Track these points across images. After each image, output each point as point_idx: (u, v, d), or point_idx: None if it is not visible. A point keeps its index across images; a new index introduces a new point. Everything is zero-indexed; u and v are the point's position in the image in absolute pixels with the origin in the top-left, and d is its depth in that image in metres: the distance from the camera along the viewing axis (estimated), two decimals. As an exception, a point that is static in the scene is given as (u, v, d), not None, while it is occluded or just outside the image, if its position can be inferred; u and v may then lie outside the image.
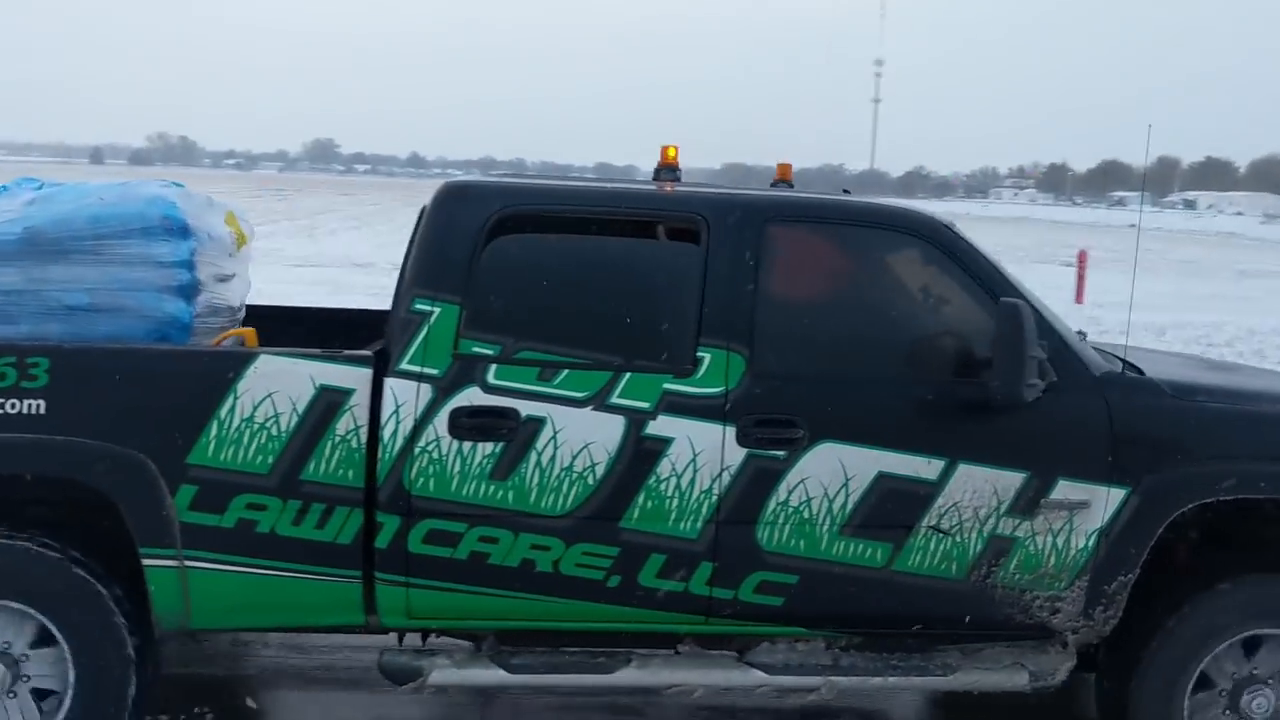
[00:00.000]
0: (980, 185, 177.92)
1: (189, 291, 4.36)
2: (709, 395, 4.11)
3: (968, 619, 4.25)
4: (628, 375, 4.11)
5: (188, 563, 3.98)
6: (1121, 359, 4.61)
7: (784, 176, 5.19)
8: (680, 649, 4.32)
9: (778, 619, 4.21)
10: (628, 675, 4.19)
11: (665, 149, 4.81)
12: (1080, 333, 4.81)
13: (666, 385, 4.11)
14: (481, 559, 4.06)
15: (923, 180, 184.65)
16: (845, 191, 5.37)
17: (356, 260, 24.73)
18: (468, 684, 4.21)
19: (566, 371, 4.10)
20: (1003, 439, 4.19)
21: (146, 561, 3.97)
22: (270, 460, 3.98)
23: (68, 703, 4.01)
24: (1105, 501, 4.19)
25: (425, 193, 4.41)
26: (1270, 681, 4.29)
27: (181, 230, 4.35)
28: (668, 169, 4.79)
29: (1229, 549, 4.63)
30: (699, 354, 4.14)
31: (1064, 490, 4.18)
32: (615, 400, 4.08)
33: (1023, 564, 4.20)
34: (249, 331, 4.31)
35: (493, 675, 4.17)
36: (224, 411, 3.96)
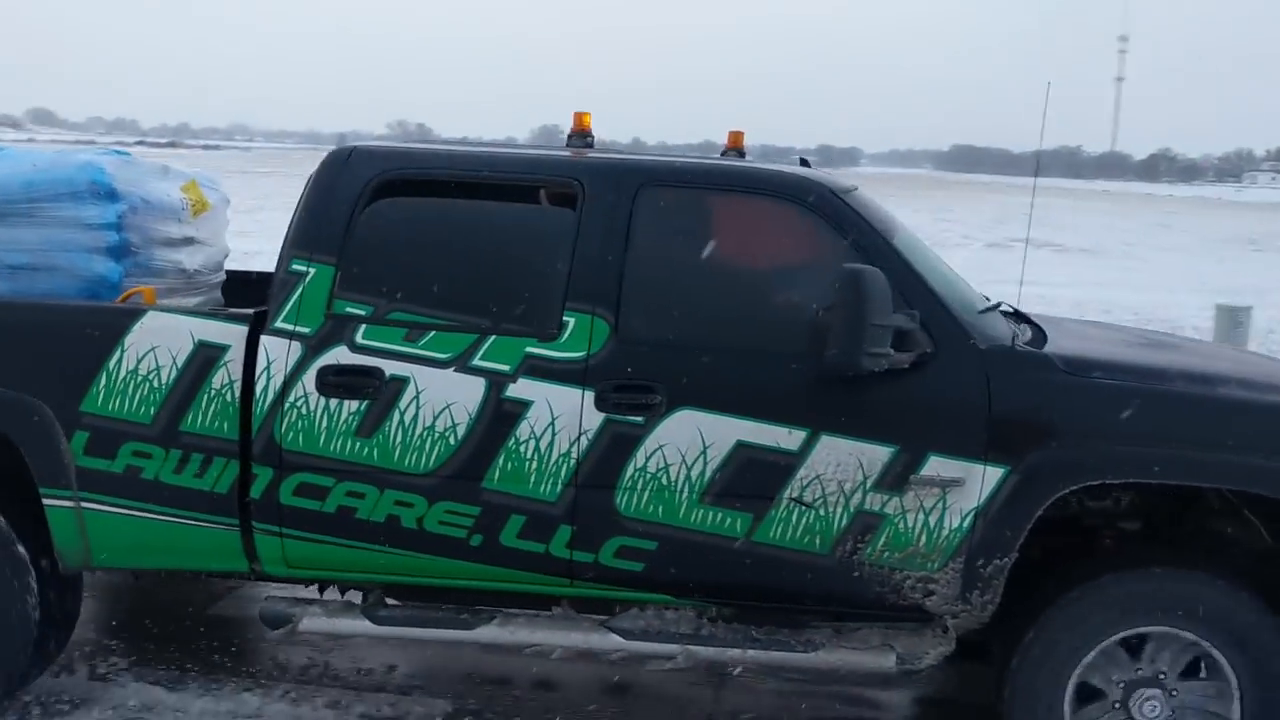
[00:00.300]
0: (1233, 169, 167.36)
1: (118, 252, 4.66)
2: (569, 360, 4.11)
3: (835, 595, 4.13)
4: (492, 338, 4.15)
5: (84, 504, 4.26)
6: (1036, 325, 4.36)
7: (735, 145, 5.11)
8: (555, 610, 4.36)
9: (640, 584, 4.18)
10: (489, 633, 4.25)
11: (579, 115, 4.80)
12: (1001, 303, 4.58)
13: (529, 349, 4.14)
14: (349, 513, 4.19)
15: (1169, 163, 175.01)
16: (804, 163, 5.24)
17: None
18: (335, 633, 4.37)
19: (433, 333, 4.18)
20: (869, 411, 4.02)
21: (46, 501, 4.27)
22: (153, 411, 4.21)
23: None
24: (981, 480, 3.97)
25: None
26: (1161, 679, 3.99)
27: (109, 194, 4.64)
28: (580, 135, 4.78)
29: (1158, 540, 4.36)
30: (564, 318, 4.15)
31: (936, 467, 3.99)
32: (477, 362, 4.14)
33: (891, 541, 4.03)
34: (148, 289, 4.57)
35: (359, 625, 4.31)
36: (112, 363, 4.21)
